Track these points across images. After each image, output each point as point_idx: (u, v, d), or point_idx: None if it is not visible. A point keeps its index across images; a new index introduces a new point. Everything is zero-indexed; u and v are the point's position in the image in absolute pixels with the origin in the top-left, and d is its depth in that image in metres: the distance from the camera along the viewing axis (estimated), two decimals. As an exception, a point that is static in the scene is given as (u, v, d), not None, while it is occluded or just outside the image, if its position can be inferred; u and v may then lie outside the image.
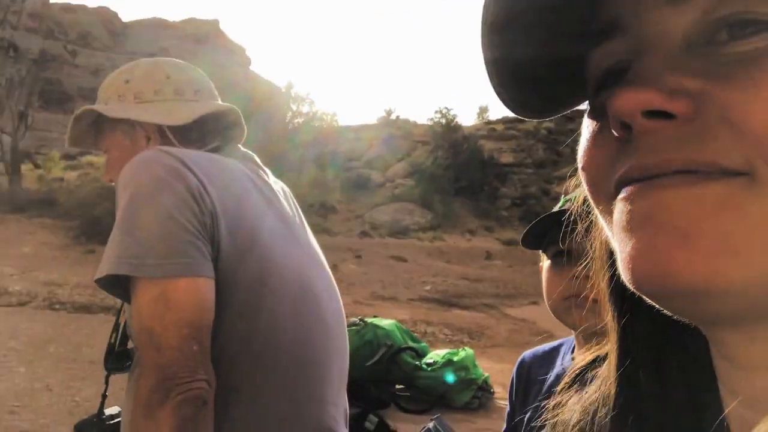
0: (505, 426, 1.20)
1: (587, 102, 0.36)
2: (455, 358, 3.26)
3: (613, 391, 0.38)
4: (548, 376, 1.10)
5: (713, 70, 0.28)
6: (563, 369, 1.06)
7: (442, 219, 18.62)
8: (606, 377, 0.40)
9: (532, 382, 1.15)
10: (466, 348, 3.48)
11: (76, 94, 31.59)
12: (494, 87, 0.36)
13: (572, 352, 1.09)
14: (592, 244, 0.42)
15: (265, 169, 1.34)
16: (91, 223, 11.18)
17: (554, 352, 1.16)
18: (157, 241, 0.99)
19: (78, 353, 4.86)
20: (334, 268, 9.79)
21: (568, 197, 0.99)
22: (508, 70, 0.35)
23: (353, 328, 3.34)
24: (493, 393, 3.50)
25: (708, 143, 0.27)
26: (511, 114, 0.37)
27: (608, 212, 0.32)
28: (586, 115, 0.34)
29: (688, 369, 0.36)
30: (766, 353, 0.28)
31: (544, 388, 1.10)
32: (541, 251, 1.07)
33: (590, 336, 1.01)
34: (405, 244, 16.43)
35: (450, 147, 24.92)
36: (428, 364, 3.26)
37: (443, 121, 29.42)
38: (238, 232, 1.08)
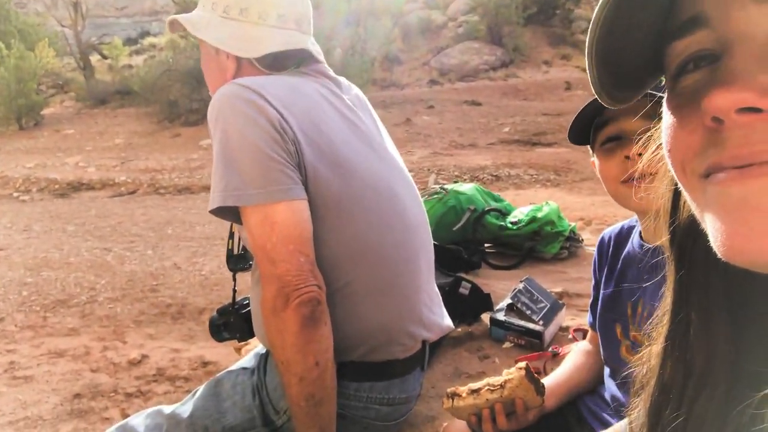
0: (592, 296, 1.27)
1: (664, 85, 0.39)
2: (539, 215, 3.23)
3: (666, 329, 0.45)
4: (624, 252, 1.16)
5: None
6: (633, 248, 1.12)
7: (513, 53, 17.51)
8: (660, 318, 0.47)
9: (613, 258, 1.20)
10: (549, 202, 3.41)
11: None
12: (590, 73, 0.40)
13: (640, 235, 1.11)
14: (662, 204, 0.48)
15: (339, 79, 1.39)
16: (170, 107, 11.47)
17: (630, 230, 1.18)
18: (253, 172, 1.10)
19: (194, 232, 5.26)
20: (407, 122, 9.67)
21: None
22: (600, 58, 0.39)
23: (435, 197, 3.37)
24: (582, 241, 3.49)
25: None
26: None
27: (695, 190, 0.36)
28: (665, 100, 0.39)
29: (736, 316, 0.41)
30: None
31: (618, 264, 1.16)
32: (589, 146, 1.07)
33: (654, 216, 0.99)
34: (477, 87, 15.77)
35: (514, -30, 22.59)
36: (513, 223, 3.26)
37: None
38: (321, 154, 1.17)
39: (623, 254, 1.17)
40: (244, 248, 1.43)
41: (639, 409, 0.48)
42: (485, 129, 11.99)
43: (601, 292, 1.23)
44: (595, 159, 1.10)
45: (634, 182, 0.96)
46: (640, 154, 0.92)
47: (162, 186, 7.56)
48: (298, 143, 1.14)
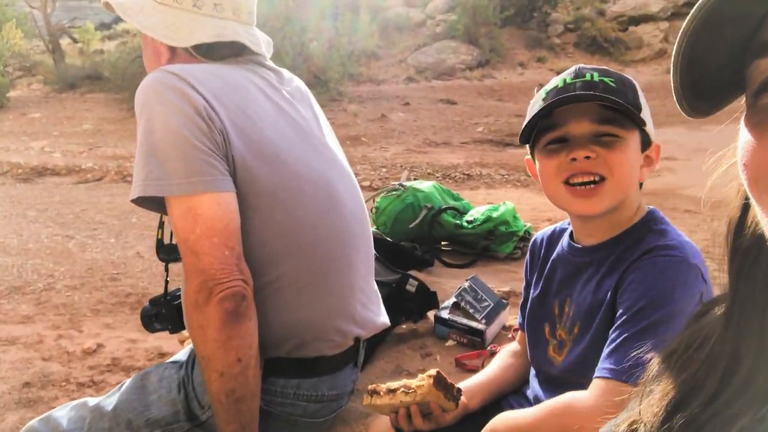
0: (522, 297, 1.31)
1: (744, 103, 0.40)
2: (495, 215, 3.31)
3: (720, 327, 0.46)
4: (554, 254, 1.19)
5: None
6: (563, 249, 1.17)
7: (490, 54, 17.63)
8: (718, 316, 0.47)
9: (544, 260, 1.23)
10: (506, 202, 3.50)
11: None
12: (673, 80, 0.42)
13: (571, 235, 1.15)
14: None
15: (279, 70, 1.35)
16: (141, 95, 11.18)
17: (562, 232, 1.21)
18: (177, 162, 1.06)
19: (158, 220, 5.21)
20: (382, 118, 9.63)
21: (544, 88, 1.05)
22: (684, 68, 0.41)
23: (393, 193, 3.42)
24: None
25: None
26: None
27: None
28: (744, 117, 0.40)
29: None
30: None
31: (548, 265, 1.19)
32: (530, 144, 1.09)
33: (589, 218, 1.06)
34: (453, 86, 15.86)
35: (493, -29, 22.69)
36: (468, 222, 3.33)
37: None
38: (252, 145, 1.14)
39: (553, 255, 1.21)
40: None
41: (650, 403, 0.49)
42: (459, 128, 12.06)
43: (531, 292, 1.26)
44: (533, 158, 1.12)
45: (579, 187, 1.00)
46: (587, 157, 0.96)
47: (129, 174, 7.44)
48: (226, 133, 1.11)
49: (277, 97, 1.27)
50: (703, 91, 0.43)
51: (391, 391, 1.16)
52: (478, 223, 3.31)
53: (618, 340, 0.96)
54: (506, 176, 8.12)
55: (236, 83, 1.20)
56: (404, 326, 2.26)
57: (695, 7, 0.38)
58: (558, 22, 24.08)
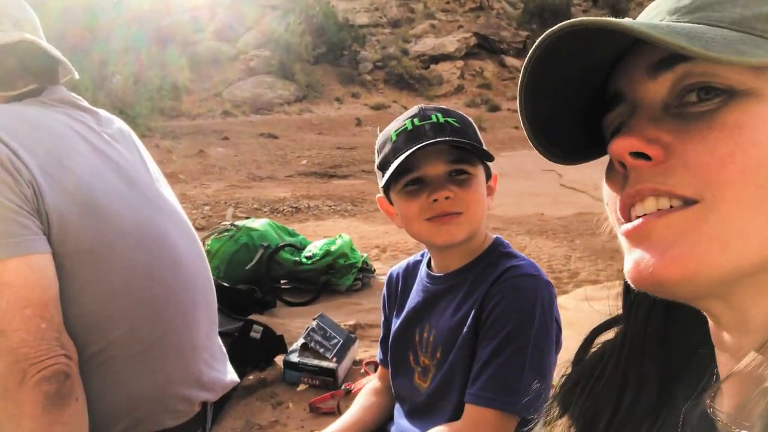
0: (381, 333, 1.31)
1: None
2: (333, 248, 3.30)
3: (617, 351, 0.51)
4: (412, 284, 1.23)
5: (679, 126, 0.39)
6: (421, 278, 1.21)
7: (306, 89, 18.03)
8: (612, 344, 0.53)
9: (402, 292, 1.26)
10: (342, 235, 3.54)
11: None
12: (527, 135, 0.47)
13: (428, 265, 1.20)
14: None
15: (96, 111, 1.23)
16: None
17: (417, 264, 1.26)
18: None
19: None
20: (200, 153, 9.20)
21: (392, 130, 1.09)
22: (537, 125, 0.46)
23: (226, 234, 3.24)
24: (374, 272, 3.64)
25: (669, 178, 0.38)
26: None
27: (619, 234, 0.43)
28: (606, 166, 0.45)
29: (688, 334, 0.49)
30: (737, 317, 0.40)
31: (408, 296, 1.23)
32: (384, 186, 1.11)
33: (447, 248, 1.13)
34: (273, 120, 15.82)
35: (302, 11, 23.51)
36: (307, 258, 3.27)
37: (290, -19, 27.46)
38: (69, 197, 1.02)
39: (412, 286, 1.22)
40: None
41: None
42: (283, 161, 12.01)
43: (393, 326, 1.25)
44: (388, 198, 1.13)
45: (443, 219, 1.04)
46: (447, 197, 1.00)
47: None
48: (36, 185, 0.97)
49: (97, 140, 1.15)
50: (559, 142, 0.48)
51: None
52: (318, 258, 3.24)
53: (491, 367, 0.99)
54: (333, 207, 8.24)
55: (48, 127, 1.07)
56: (251, 376, 2.07)
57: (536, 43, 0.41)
58: (367, 60, 25.62)
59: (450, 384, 1.06)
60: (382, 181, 1.08)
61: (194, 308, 1.22)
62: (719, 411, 0.41)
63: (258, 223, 3.38)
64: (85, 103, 1.21)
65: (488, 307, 1.02)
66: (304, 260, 3.25)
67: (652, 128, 0.39)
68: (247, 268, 3.12)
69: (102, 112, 1.25)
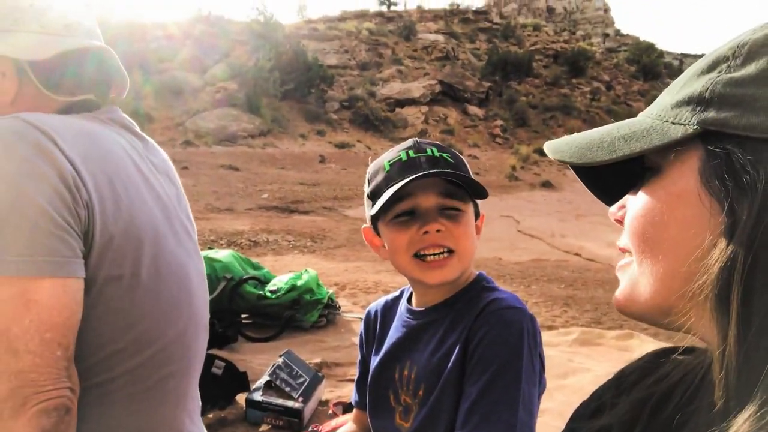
0: (358, 373, 1.28)
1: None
2: (299, 283, 3.23)
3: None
4: (391, 321, 1.22)
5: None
6: (401, 314, 1.19)
7: (271, 124, 18.05)
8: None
9: (381, 329, 1.24)
10: (308, 269, 3.47)
11: None
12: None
13: (409, 301, 1.19)
14: None
15: (145, 138, 1.21)
16: None
17: (396, 300, 1.25)
18: (19, 234, 0.89)
19: None
20: (161, 182, 9.09)
21: (385, 160, 1.10)
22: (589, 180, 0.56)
23: None
24: (339, 308, 3.58)
25: (621, 235, 0.50)
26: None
27: None
28: None
29: None
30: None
31: (387, 333, 1.21)
32: (373, 215, 1.11)
33: (437, 286, 1.12)
34: (235, 153, 15.68)
35: (272, 48, 23.78)
36: (272, 292, 3.19)
37: (261, 18, 27.82)
38: (113, 224, 0.99)
39: (391, 323, 1.20)
40: None
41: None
42: (244, 194, 11.86)
43: (371, 365, 1.22)
44: (375, 229, 1.12)
45: (430, 258, 1.03)
46: (438, 230, 1.00)
47: None
48: (91, 208, 0.94)
49: (145, 168, 1.11)
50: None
51: None
52: (283, 292, 3.15)
53: (483, 406, 0.96)
54: (293, 242, 8.14)
55: (106, 148, 1.04)
56: (210, 415, 1.95)
57: None
58: (334, 99, 25.99)
59: (435, 422, 1.03)
60: (372, 210, 1.07)
61: (194, 356, 1.17)
62: None
63: (221, 254, 3.28)
64: (137, 128, 1.18)
65: (475, 340, 1.01)
66: (268, 294, 3.16)
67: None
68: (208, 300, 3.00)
69: (148, 139, 1.22)
